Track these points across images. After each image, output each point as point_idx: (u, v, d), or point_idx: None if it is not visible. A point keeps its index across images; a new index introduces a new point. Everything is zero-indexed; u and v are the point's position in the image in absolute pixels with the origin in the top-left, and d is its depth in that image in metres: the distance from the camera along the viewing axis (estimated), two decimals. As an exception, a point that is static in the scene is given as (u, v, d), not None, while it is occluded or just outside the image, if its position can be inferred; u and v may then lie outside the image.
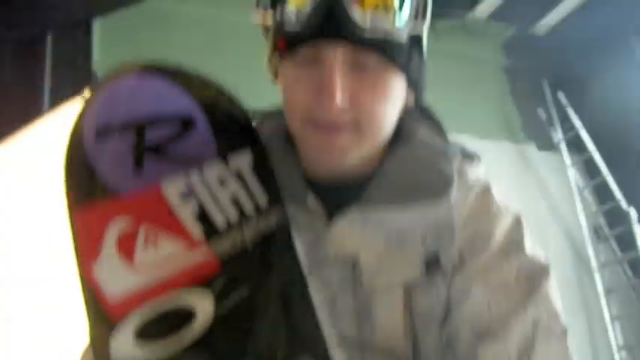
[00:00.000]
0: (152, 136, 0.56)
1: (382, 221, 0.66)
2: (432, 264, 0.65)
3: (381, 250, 0.66)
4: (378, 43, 0.58)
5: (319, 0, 0.56)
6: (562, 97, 3.77)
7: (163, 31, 2.50)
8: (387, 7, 0.57)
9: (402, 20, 0.58)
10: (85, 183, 0.51)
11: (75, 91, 2.18)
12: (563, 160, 3.65)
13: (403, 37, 0.60)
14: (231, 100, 0.67)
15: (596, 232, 3.62)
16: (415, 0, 0.60)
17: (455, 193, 0.65)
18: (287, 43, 0.60)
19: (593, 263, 3.41)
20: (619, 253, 3.56)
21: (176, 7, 2.54)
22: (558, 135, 3.71)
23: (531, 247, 0.68)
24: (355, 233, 0.66)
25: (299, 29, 0.58)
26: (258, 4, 0.62)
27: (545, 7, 3.59)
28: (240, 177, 0.60)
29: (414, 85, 0.66)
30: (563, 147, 3.68)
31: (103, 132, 0.54)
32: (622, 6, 3.63)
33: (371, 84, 0.60)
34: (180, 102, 0.61)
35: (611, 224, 3.59)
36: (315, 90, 0.59)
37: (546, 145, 3.75)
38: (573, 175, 3.62)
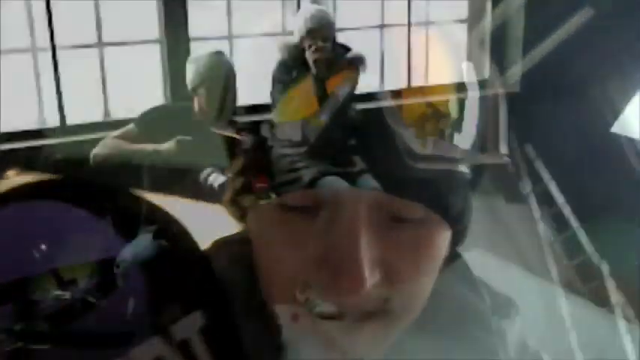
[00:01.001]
0: (45, 304, 0.34)
1: None
2: None
3: None
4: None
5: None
6: (529, 149, 3.73)
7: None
8: None
9: None
10: None
11: None
12: (532, 213, 3.58)
13: None
14: (176, 226, 0.42)
15: (569, 286, 3.52)
16: None
17: None
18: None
19: (567, 321, 3.27)
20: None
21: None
22: (526, 188, 3.66)
23: None
24: None
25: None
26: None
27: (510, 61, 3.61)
28: (186, 354, 0.36)
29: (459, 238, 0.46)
30: (532, 200, 3.62)
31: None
32: (582, 54, 3.66)
33: (410, 244, 0.39)
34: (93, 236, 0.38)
35: (584, 279, 3.49)
36: (322, 258, 0.36)
37: (515, 197, 3.69)
38: (542, 228, 3.55)
